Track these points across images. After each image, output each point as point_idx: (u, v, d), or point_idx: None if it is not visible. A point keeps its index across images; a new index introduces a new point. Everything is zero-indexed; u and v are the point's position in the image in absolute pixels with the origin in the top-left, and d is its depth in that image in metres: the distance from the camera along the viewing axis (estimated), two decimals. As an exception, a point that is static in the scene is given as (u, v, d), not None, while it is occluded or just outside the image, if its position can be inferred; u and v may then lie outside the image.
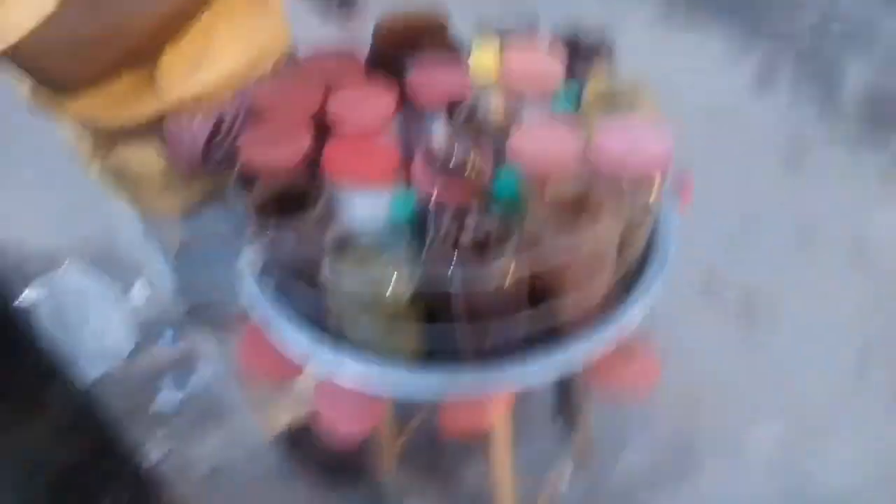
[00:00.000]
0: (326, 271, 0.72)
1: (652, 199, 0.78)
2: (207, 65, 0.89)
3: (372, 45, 0.95)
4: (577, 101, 0.85)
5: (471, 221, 0.73)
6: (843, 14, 2.83)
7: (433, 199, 0.75)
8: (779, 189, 2.13)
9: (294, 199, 0.78)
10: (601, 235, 0.72)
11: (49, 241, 2.13)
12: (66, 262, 2.02)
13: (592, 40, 0.94)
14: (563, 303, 0.75)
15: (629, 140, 0.78)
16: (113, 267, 2.07)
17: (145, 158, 0.95)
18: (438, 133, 0.76)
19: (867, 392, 1.67)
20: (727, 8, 2.92)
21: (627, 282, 0.84)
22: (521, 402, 0.95)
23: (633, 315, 0.81)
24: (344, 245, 0.74)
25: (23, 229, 2.15)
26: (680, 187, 0.91)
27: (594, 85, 0.87)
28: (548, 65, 0.88)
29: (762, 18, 2.86)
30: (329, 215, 0.77)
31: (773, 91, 2.50)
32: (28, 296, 1.93)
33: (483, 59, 0.77)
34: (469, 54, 0.91)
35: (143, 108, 0.89)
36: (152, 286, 2.03)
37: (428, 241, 0.72)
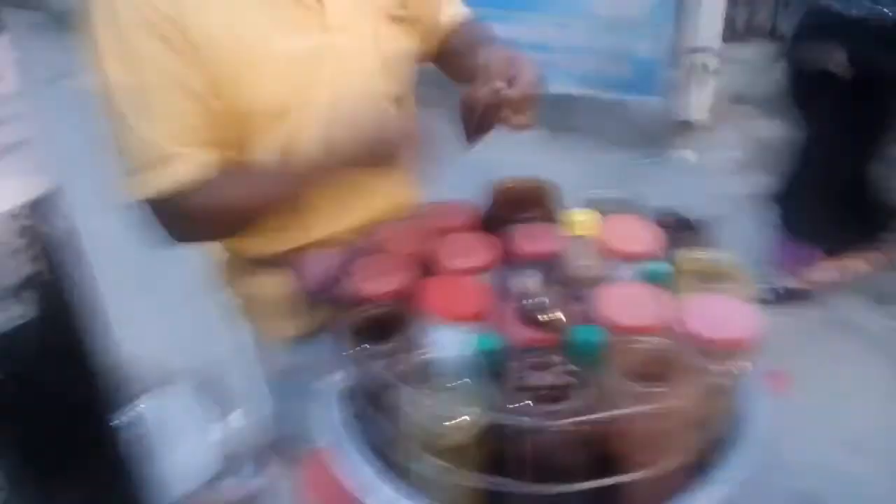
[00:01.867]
0: (401, 398, 0.75)
1: (733, 376, 0.77)
2: (343, 214, 1.02)
3: (487, 204, 1.04)
4: (669, 271, 0.87)
5: (547, 369, 0.74)
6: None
7: (515, 343, 0.78)
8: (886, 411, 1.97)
9: (387, 327, 0.83)
10: (676, 402, 0.71)
11: (164, 363, 2.29)
12: (178, 382, 2.15)
13: (691, 217, 0.98)
14: (631, 471, 0.73)
15: (715, 313, 0.78)
16: (218, 394, 2.17)
17: (278, 283, 1.05)
18: (529, 281, 0.80)
19: None
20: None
21: (704, 464, 0.80)
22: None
23: (706, 498, 0.76)
24: (423, 374, 0.77)
25: (142, 351, 2.33)
26: (775, 381, 0.89)
27: (687, 256, 0.89)
28: (643, 231, 0.92)
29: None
30: (415, 345, 0.81)
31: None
32: (134, 409, 2.05)
33: (582, 220, 0.83)
34: (569, 218, 0.98)
35: (284, 244, 1.03)
36: (248, 417, 2.11)
37: (504, 382, 0.74)
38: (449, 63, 1.14)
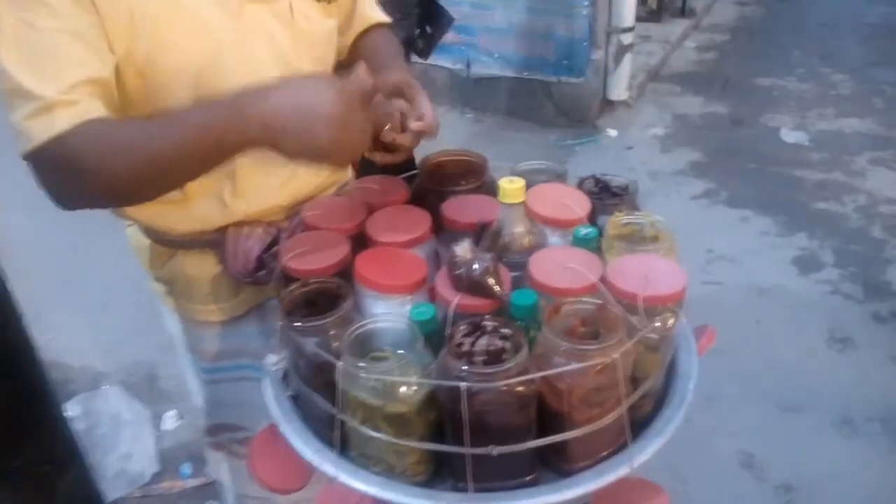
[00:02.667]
0: (341, 368, 0.74)
1: (663, 331, 0.79)
2: (269, 190, 0.99)
3: (416, 177, 1.03)
4: (598, 235, 0.89)
5: (485, 332, 0.75)
6: (889, 198, 2.89)
7: (451, 309, 0.78)
8: (821, 372, 2.08)
9: (321, 304, 0.82)
10: (610, 356, 0.73)
11: (95, 364, 2.21)
12: (106, 384, 2.08)
13: (618, 182, 1.01)
14: (570, 429, 0.74)
15: (645, 271, 0.80)
16: (149, 395, 2.11)
17: (200, 264, 1.03)
18: (461, 246, 0.80)
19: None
20: (771, 187, 3.01)
21: (642, 420, 0.82)
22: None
23: (644, 452, 0.79)
24: (362, 346, 0.77)
25: (72, 351, 2.24)
26: (702, 336, 0.93)
27: (615, 220, 0.91)
28: (573, 198, 0.94)
29: (809, 198, 2.92)
30: (353, 319, 0.80)
31: (818, 271, 2.50)
32: (65, 411, 1.96)
33: (512, 190, 0.83)
34: (499, 187, 0.99)
35: (207, 223, 0.99)
36: (182, 418, 2.06)
37: (444, 348, 0.74)
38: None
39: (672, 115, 3.67)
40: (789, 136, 3.42)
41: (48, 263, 2.50)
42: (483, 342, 0.75)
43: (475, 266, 0.78)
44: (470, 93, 3.70)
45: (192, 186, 0.93)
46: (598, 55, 3.46)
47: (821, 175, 3.07)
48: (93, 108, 0.79)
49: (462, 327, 0.75)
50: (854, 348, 2.14)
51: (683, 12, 4.75)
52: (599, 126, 3.54)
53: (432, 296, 0.84)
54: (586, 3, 3.32)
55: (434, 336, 0.78)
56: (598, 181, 1.02)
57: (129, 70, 0.85)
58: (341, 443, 0.80)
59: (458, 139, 3.25)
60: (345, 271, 0.87)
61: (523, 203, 0.87)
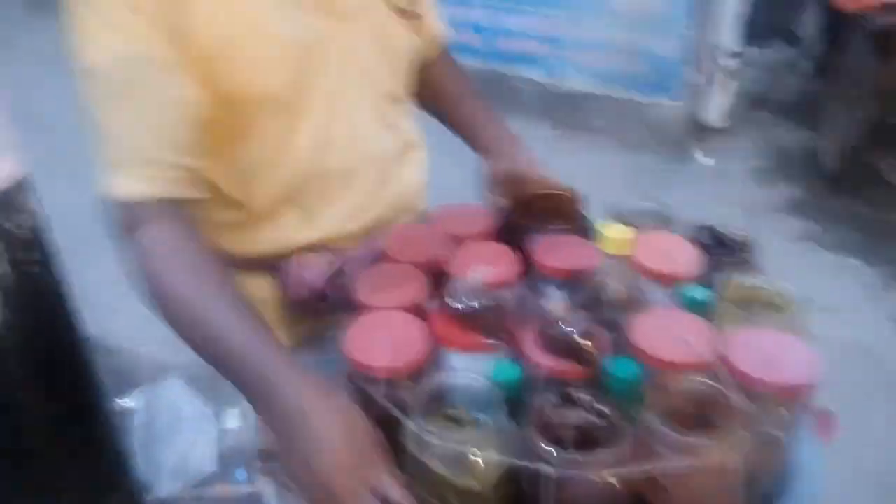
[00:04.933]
0: (410, 429, 0.66)
1: (788, 424, 0.68)
2: (342, 215, 0.93)
3: (503, 210, 0.94)
4: (710, 295, 0.78)
5: (575, 406, 0.65)
6: None
7: (540, 373, 0.69)
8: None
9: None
10: (726, 450, 0.62)
11: (160, 355, 2.20)
12: (170, 377, 2.07)
13: (732, 235, 0.89)
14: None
15: (770, 350, 0.69)
16: (213, 392, 2.09)
17: (257, 288, 0.95)
18: (555, 304, 0.71)
19: None
20: (877, 235, 2.78)
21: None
22: None
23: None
24: (433, 406, 0.68)
25: (139, 339, 2.25)
26: (823, 424, 0.80)
27: (731, 282, 0.80)
28: (682, 251, 0.83)
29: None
30: (424, 371, 0.72)
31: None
32: (128, 402, 1.97)
33: (613, 236, 0.73)
34: (598, 231, 0.89)
35: (272, 245, 0.92)
36: (244, 418, 2.03)
37: (527, 419, 0.65)
38: (431, 101, 1.08)
39: (771, 146, 3.45)
40: (900, 179, 3.14)
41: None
42: (574, 417, 0.65)
43: (571, 327, 0.68)
44: (554, 107, 3.57)
45: (256, 210, 0.87)
46: (696, 77, 3.28)
47: (938, 226, 2.80)
48: (185, 194, 0.77)
49: (551, 397, 0.66)
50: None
51: (789, 39, 4.49)
52: (692, 152, 3.36)
53: (517, 353, 0.75)
54: (689, 22, 3.15)
55: (516, 400, 0.68)
56: (711, 231, 0.91)
57: (212, 103, 0.80)
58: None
59: (542, 157, 3.13)
60: (420, 311, 0.79)
61: (626, 253, 0.77)
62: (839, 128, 2.98)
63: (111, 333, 2.27)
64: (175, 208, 0.76)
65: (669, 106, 3.33)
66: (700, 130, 3.44)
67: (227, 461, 1.92)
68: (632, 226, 0.84)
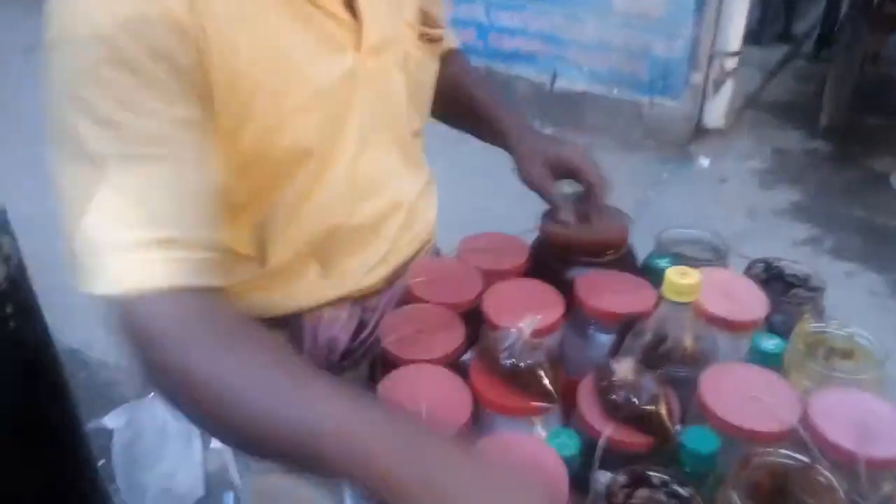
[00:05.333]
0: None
1: (882, 499, 0.59)
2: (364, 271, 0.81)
3: (537, 243, 0.85)
4: (783, 346, 0.69)
5: (650, 485, 0.56)
6: None
7: (602, 443, 0.59)
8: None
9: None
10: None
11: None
12: (153, 394, 1.95)
13: (798, 272, 0.81)
14: None
15: (860, 415, 0.60)
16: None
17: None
18: (622, 363, 0.62)
19: None
20: (880, 240, 2.73)
21: None
22: None
23: None
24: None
25: (117, 351, 2.13)
26: None
27: (803, 328, 0.71)
28: (746, 292, 0.74)
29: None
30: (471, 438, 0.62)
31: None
32: (107, 422, 1.86)
33: (685, 286, 0.64)
34: (651, 271, 0.80)
35: (283, 304, 0.79)
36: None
37: (591, 499, 0.56)
38: (449, 107, 0.95)
39: (770, 147, 3.39)
40: (899, 183, 3.11)
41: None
42: (644, 496, 0.56)
43: (642, 393, 0.59)
44: (552, 107, 3.48)
45: (271, 267, 0.75)
46: (696, 78, 3.21)
47: (939, 230, 2.76)
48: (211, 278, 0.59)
49: (619, 477, 0.57)
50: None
51: (785, 37, 4.44)
52: (691, 153, 3.28)
53: (566, 410, 0.66)
54: (690, 22, 3.08)
55: (577, 478, 0.59)
56: (769, 267, 0.82)
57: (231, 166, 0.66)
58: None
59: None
60: (456, 361, 0.70)
61: (694, 302, 0.67)
62: (834, 89, 3.42)
63: (92, 346, 2.15)
64: (199, 299, 0.57)
65: (669, 106, 3.26)
66: (699, 131, 3.38)
67: (214, 484, 1.82)
68: (689, 263, 0.75)
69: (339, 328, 0.79)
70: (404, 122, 0.80)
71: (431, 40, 0.83)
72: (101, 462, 1.74)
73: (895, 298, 2.42)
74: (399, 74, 0.77)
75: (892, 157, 3.32)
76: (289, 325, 0.79)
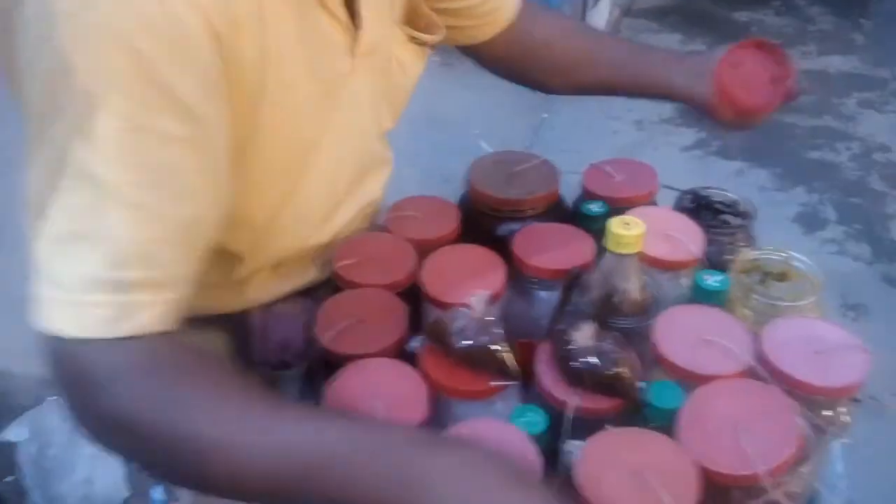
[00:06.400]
0: None
1: (837, 423, 0.61)
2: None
3: (466, 198, 0.80)
4: (725, 281, 0.69)
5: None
6: (882, 144, 2.76)
7: (570, 414, 0.57)
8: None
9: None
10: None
11: (39, 369, 1.92)
12: (54, 397, 1.80)
13: (726, 199, 0.80)
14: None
15: (811, 344, 0.61)
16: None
17: (211, 342, 0.76)
18: (582, 329, 0.59)
19: None
20: (762, 135, 2.86)
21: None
22: None
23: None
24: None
25: (11, 354, 1.95)
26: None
27: (740, 259, 0.71)
28: (685, 230, 0.73)
29: (802, 147, 2.78)
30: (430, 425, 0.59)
31: (822, 229, 2.38)
32: (9, 435, 1.71)
33: (630, 237, 0.61)
34: (583, 218, 0.77)
35: (228, 303, 0.73)
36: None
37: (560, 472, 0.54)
38: (546, 68, 0.89)
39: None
40: (773, 76, 3.25)
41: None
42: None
43: (604, 357, 0.57)
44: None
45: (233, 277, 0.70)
46: (573, -10, 3.18)
47: (812, 121, 2.92)
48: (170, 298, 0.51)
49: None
50: (868, 315, 2.04)
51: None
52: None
53: (533, 389, 0.63)
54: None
55: (545, 449, 0.57)
56: (696, 197, 0.82)
57: None
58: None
59: (426, 85, 2.96)
60: (403, 350, 0.65)
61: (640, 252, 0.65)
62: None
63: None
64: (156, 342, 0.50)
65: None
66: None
67: (139, 482, 1.72)
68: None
69: (289, 323, 0.73)
70: (377, 126, 0.76)
71: (422, 41, 0.77)
72: (9, 479, 1.61)
73: (783, 191, 2.56)
74: (379, 76, 0.72)
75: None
76: (230, 321, 0.73)
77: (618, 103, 3.10)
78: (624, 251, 0.63)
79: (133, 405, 0.47)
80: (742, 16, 3.77)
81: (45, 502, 1.63)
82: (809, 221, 2.41)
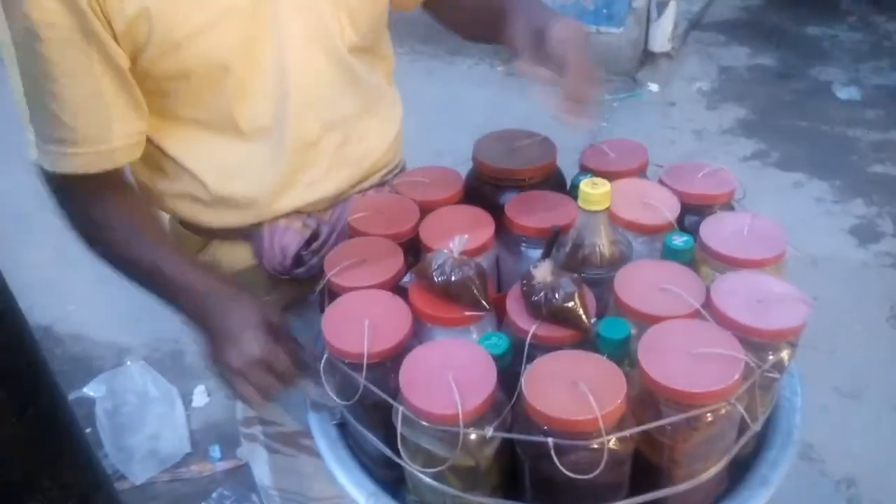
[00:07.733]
0: (397, 413, 0.63)
1: (781, 365, 0.67)
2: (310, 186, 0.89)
3: (472, 170, 0.90)
4: (689, 241, 0.76)
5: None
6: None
7: (529, 340, 0.66)
8: (883, 353, 1.95)
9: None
10: (728, 403, 0.61)
11: (118, 337, 2.13)
12: (130, 361, 2.00)
13: (706, 173, 0.87)
14: (670, 483, 0.63)
15: (756, 294, 0.68)
16: (176, 371, 2.04)
17: (234, 256, 0.92)
18: (540, 267, 0.68)
19: None
20: (824, 148, 2.83)
21: (740, 462, 0.71)
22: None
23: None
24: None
25: (95, 323, 2.17)
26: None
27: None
28: (658, 196, 0.81)
29: (865, 161, 2.73)
30: (411, 347, 0.69)
31: (877, 241, 2.34)
32: (88, 391, 1.90)
33: (597, 195, 0.70)
34: (572, 185, 0.86)
35: (242, 217, 0.89)
36: (210, 395, 1.99)
37: (519, 391, 0.63)
38: (458, 12, 0.97)
39: (717, 67, 3.45)
40: (842, 91, 3.20)
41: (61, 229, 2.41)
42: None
43: (559, 292, 0.66)
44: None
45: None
46: (638, 3, 3.23)
47: (877, 135, 2.87)
48: (111, 147, 0.79)
49: (543, 366, 0.64)
50: (918, 327, 2.01)
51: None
52: (640, 80, 3.33)
53: (500, 319, 0.73)
54: (628, -53, 3.09)
55: (506, 371, 0.66)
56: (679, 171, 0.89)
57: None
58: (397, 482, 0.71)
59: (489, 95, 3.08)
60: (396, 285, 0.76)
61: (607, 210, 0.74)
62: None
63: (65, 320, 2.18)
64: (113, 176, 0.82)
65: (614, 34, 3.29)
66: (646, 57, 3.42)
67: (200, 440, 1.88)
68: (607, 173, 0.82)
69: (290, 236, 0.87)
70: (336, 38, 0.83)
71: None
72: (87, 430, 1.79)
73: (840, 203, 2.53)
74: None
75: (834, 66, 3.41)
76: (248, 235, 0.89)
77: (677, 113, 3.12)
78: (592, 208, 0.72)
79: (78, 210, 0.84)
80: (814, 30, 3.72)
81: (116, 452, 1.81)
82: (864, 234, 2.37)
